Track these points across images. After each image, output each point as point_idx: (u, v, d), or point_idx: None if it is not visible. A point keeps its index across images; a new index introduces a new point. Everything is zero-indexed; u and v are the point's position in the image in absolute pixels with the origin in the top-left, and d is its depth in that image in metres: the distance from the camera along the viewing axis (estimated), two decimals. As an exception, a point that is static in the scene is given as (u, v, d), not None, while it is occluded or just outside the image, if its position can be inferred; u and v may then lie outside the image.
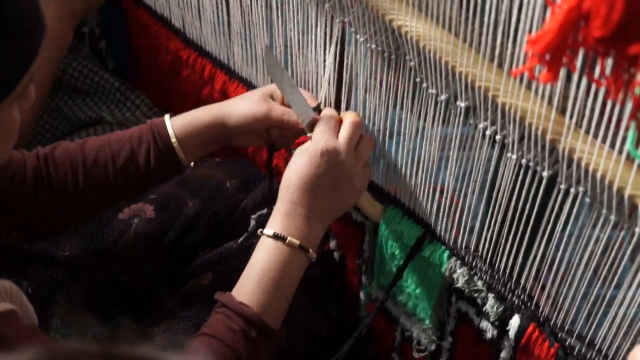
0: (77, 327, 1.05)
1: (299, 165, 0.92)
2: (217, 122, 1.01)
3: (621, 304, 0.78)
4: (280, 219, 0.92)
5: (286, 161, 0.94)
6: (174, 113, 1.05)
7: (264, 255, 0.91)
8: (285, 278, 0.91)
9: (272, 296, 0.90)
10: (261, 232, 0.92)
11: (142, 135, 1.00)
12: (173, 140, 1.00)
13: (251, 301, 0.88)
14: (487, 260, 0.92)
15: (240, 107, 1.01)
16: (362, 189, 0.97)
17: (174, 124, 1.01)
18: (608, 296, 0.80)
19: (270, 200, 1.18)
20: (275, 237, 0.91)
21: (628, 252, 0.75)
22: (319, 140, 0.93)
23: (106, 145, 1.00)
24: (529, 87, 0.74)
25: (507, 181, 0.83)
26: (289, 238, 0.90)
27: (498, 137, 0.81)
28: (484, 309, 0.93)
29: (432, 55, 0.81)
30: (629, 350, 0.78)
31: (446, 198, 0.93)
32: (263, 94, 1.02)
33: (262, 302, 0.89)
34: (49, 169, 0.99)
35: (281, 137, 1.03)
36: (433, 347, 1.03)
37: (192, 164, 1.03)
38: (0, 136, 0.78)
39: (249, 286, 0.89)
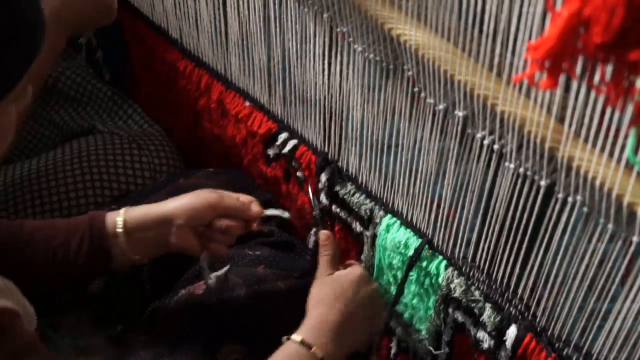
0: (70, 336, 1.04)
1: (338, 285, 0.96)
2: (163, 214, 1.00)
3: (617, 317, 0.78)
4: (309, 329, 0.94)
5: (286, 171, 0.94)
6: (169, 123, 1.05)
7: (285, 356, 0.93)
8: None
9: None
10: (287, 338, 0.94)
11: (79, 222, 0.99)
12: (119, 230, 0.98)
13: None
14: (485, 271, 0.92)
15: (187, 195, 1.01)
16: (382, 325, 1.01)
17: (117, 218, 0.99)
18: (604, 309, 0.80)
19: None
20: (302, 343, 0.93)
21: (624, 264, 0.75)
22: (355, 268, 0.98)
23: (45, 226, 0.99)
24: (527, 95, 0.74)
25: (504, 191, 0.83)
26: (314, 348, 0.93)
27: (496, 146, 0.81)
28: (481, 319, 0.93)
29: (430, 64, 0.81)
30: (626, 361, 0.78)
31: (443, 209, 0.93)
32: (210, 190, 1.02)
33: None
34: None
35: (221, 235, 1.03)
36: (429, 358, 1.03)
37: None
38: None
39: None
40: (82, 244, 0.98)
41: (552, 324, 0.86)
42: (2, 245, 0.97)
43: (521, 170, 0.80)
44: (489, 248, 0.90)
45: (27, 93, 0.79)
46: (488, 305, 0.92)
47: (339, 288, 0.97)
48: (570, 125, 0.71)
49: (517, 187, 0.81)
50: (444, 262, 0.96)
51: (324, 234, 1.05)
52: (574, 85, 0.68)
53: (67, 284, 1.07)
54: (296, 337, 0.93)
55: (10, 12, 0.70)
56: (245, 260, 1.11)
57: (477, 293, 0.94)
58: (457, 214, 0.92)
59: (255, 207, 1.03)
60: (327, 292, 0.96)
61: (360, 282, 0.98)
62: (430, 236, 0.98)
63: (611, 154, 0.68)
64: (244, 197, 1.04)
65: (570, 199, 0.76)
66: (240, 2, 1.07)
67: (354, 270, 1.01)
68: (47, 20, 1.13)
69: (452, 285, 0.95)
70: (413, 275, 1.00)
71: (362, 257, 1.09)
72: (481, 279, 0.93)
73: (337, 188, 1.08)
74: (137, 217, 1.00)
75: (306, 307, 0.97)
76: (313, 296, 0.97)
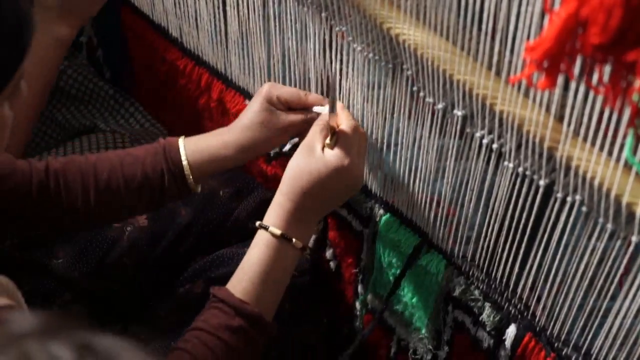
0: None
1: (317, 168, 0.90)
2: (224, 143, 1.00)
3: (617, 315, 0.78)
4: (287, 219, 0.91)
5: (283, 168, 0.93)
6: (170, 122, 1.04)
7: (267, 253, 0.90)
8: (285, 276, 0.92)
9: (272, 294, 0.90)
10: (261, 226, 0.91)
11: (155, 160, 0.99)
12: (185, 164, 0.99)
13: (250, 299, 0.88)
14: (484, 270, 0.92)
15: (244, 116, 1.00)
16: (360, 183, 0.95)
17: (186, 147, 1.00)
18: (604, 307, 0.80)
19: (263, 209, 1.18)
20: (283, 237, 0.90)
21: (624, 263, 0.75)
22: (346, 155, 0.91)
23: (118, 167, 0.99)
24: (526, 94, 0.74)
25: (503, 190, 0.83)
26: (294, 240, 0.91)
27: (495, 145, 0.81)
28: (480, 318, 0.93)
29: (429, 63, 0.81)
30: (626, 360, 0.78)
31: (443, 208, 0.93)
32: (262, 102, 1.00)
33: (261, 300, 0.89)
34: (59, 187, 0.97)
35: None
36: (429, 357, 1.03)
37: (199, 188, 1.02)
38: None
39: (248, 283, 0.89)
40: (163, 181, 0.99)
41: (552, 323, 0.86)
42: (79, 188, 0.97)
43: (520, 169, 0.79)
44: (488, 247, 0.90)
45: (21, 89, 0.78)
46: (487, 305, 0.92)
47: (318, 176, 0.90)
48: (569, 124, 0.71)
49: (516, 186, 0.81)
50: (444, 261, 0.96)
51: (323, 101, 1.00)
52: (573, 84, 0.67)
53: (151, 210, 1.08)
54: (275, 230, 0.90)
55: None
56: None
57: (476, 292, 0.94)
58: (457, 213, 0.92)
59: (319, 108, 0.99)
60: (308, 176, 0.91)
61: (342, 172, 0.91)
62: (429, 235, 0.98)
63: (610, 153, 0.68)
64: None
65: (569, 199, 0.76)
66: (240, 1, 1.07)
67: (340, 157, 0.91)
68: (59, 14, 1.13)
69: (451, 285, 0.95)
70: (413, 274, 1.00)
71: (362, 255, 1.09)
72: (480, 278, 0.93)
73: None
74: (207, 159, 1.00)
75: (282, 179, 0.93)
76: (293, 171, 0.92)
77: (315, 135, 0.93)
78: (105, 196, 0.98)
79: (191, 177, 0.99)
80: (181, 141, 1.00)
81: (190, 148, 1.00)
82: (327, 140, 0.92)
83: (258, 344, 0.89)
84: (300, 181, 0.91)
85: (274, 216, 0.92)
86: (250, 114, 1.00)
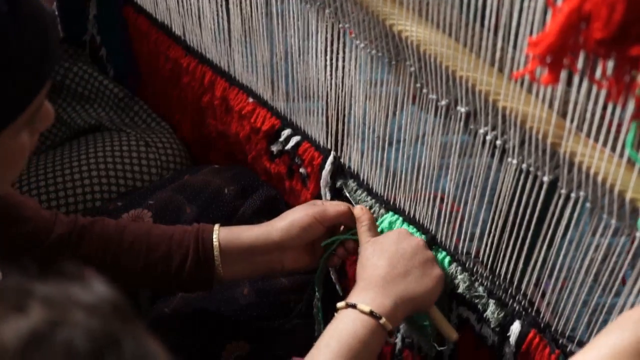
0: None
1: (377, 249, 0.92)
2: (263, 233, 0.97)
3: (621, 311, 0.78)
4: (375, 297, 0.87)
5: (289, 168, 0.93)
6: (174, 120, 1.04)
7: (354, 329, 0.85)
8: (366, 355, 0.86)
9: None
10: (351, 305, 0.87)
11: (184, 239, 0.96)
12: (215, 253, 0.95)
13: None
14: (488, 266, 0.92)
15: (288, 215, 0.98)
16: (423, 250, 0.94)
17: (220, 234, 0.97)
18: (608, 304, 0.79)
19: (268, 207, 1.18)
20: (371, 314, 0.86)
21: (628, 259, 0.74)
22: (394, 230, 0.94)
23: (144, 235, 0.96)
24: (529, 90, 0.74)
25: (507, 187, 0.83)
26: (383, 320, 0.86)
27: (499, 142, 0.81)
28: (484, 315, 0.93)
29: (432, 60, 0.81)
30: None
31: (447, 205, 0.93)
32: (313, 202, 0.99)
33: None
34: (81, 244, 0.95)
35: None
36: (434, 354, 1.03)
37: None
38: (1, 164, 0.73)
39: (327, 357, 0.84)
40: (187, 259, 0.95)
41: (556, 319, 0.86)
42: (101, 246, 0.95)
43: (524, 165, 0.79)
44: (492, 243, 0.89)
45: (46, 113, 0.75)
46: (492, 301, 0.92)
47: (379, 246, 0.92)
48: (572, 120, 0.71)
49: (520, 182, 0.81)
50: (448, 258, 0.96)
51: (358, 207, 1.00)
52: (576, 79, 0.67)
53: (165, 292, 1.06)
54: (364, 306, 0.86)
55: (15, 38, 0.66)
56: None
57: (480, 289, 0.94)
58: (461, 210, 0.91)
59: (357, 210, 0.99)
60: (370, 253, 0.91)
61: (400, 236, 0.93)
62: (433, 232, 0.98)
63: (613, 149, 0.68)
64: (339, 204, 1.00)
65: (573, 195, 0.76)
66: (243, -1, 1.07)
67: (393, 230, 0.96)
68: None
69: (455, 281, 0.95)
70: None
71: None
72: (485, 274, 0.93)
73: (340, 184, 1.08)
74: (239, 247, 0.96)
75: (356, 278, 0.91)
76: (360, 263, 0.92)
77: (364, 235, 0.95)
78: (123, 260, 0.95)
79: (219, 261, 0.95)
80: (217, 226, 0.98)
81: (224, 231, 0.97)
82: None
83: None
84: (372, 265, 0.90)
85: (362, 296, 0.87)
86: (292, 216, 0.98)
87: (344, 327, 0.85)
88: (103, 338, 0.47)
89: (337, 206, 0.98)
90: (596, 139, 0.69)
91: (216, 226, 0.98)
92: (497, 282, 0.92)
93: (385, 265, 0.90)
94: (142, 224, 0.99)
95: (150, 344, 0.49)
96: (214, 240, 0.96)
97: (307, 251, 1.00)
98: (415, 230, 0.99)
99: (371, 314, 0.86)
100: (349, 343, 0.84)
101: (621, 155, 0.67)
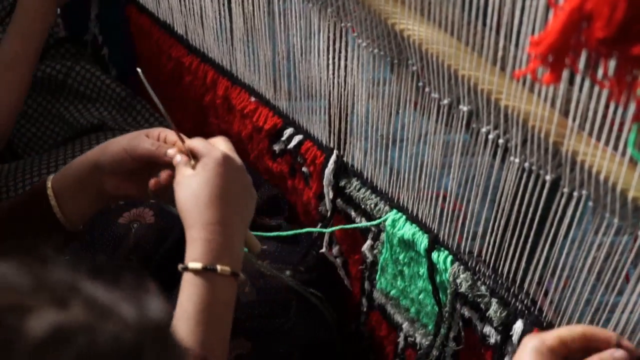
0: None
1: (201, 182, 0.84)
2: (89, 162, 0.92)
3: (624, 310, 0.78)
4: (203, 247, 0.82)
5: (291, 166, 0.93)
6: (177, 120, 1.03)
7: (196, 292, 0.82)
8: (226, 309, 0.84)
9: (212, 330, 0.82)
10: (183, 268, 0.83)
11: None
12: (48, 184, 0.92)
13: (191, 342, 0.80)
14: (491, 265, 0.92)
15: (112, 143, 0.93)
16: (245, 174, 0.89)
17: (54, 176, 0.93)
18: (611, 302, 0.79)
19: (270, 206, 1.18)
20: (205, 270, 0.82)
21: (631, 257, 0.74)
22: (211, 151, 0.85)
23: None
24: (531, 89, 0.74)
25: (510, 185, 0.83)
26: (219, 267, 0.82)
27: (501, 141, 0.81)
28: (487, 314, 0.93)
29: (434, 59, 0.81)
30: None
31: (449, 203, 0.93)
32: (139, 132, 0.93)
33: (203, 341, 0.81)
34: None
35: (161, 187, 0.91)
36: (436, 353, 1.03)
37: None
38: None
39: (186, 328, 0.80)
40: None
41: (559, 318, 0.86)
42: None
43: (526, 164, 0.79)
44: (494, 242, 0.89)
45: None
46: (494, 300, 0.92)
47: (202, 187, 0.84)
48: (574, 119, 0.71)
49: (523, 181, 0.81)
50: (450, 257, 0.96)
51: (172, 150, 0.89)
52: (578, 78, 0.67)
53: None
54: (194, 264, 0.81)
55: None
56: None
57: (483, 288, 0.93)
58: (463, 208, 0.91)
59: (170, 151, 0.88)
60: (194, 197, 0.84)
61: (220, 172, 0.85)
62: (436, 231, 0.98)
63: (615, 148, 0.68)
64: (154, 143, 0.91)
65: (575, 194, 0.76)
66: (245, -2, 1.07)
67: (208, 162, 0.85)
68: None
69: (458, 280, 0.95)
70: (420, 270, 1.00)
71: (366, 252, 1.09)
72: (487, 273, 0.93)
73: (343, 183, 1.08)
74: (63, 175, 0.93)
75: (181, 218, 0.85)
76: (182, 204, 0.85)
77: (180, 168, 0.87)
78: None
79: (53, 195, 0.91)
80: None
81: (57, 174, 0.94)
82: (192, 162, 0.86)
83: None
84: (193, 206, 0.84)
85: (191, 252, 0.83)
86: (111, 144, 0.92)
87: (206, 295, 0.81)
88: (127, 354, 0.46)
89: (150, 145, 0.90)
90: (598, 138, 0.69)
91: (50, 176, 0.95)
92: (500, 281, 0.92)
93: (215, 211, 0.83)
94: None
95: None
96: (47, 181, 0.93)
97: (131, 179, 0.92)
98: (418, 228, 0.99)
99: (206, 269, 0.81)
100: (212, 311, 0.81)
101: (623, 154, 0.67)
